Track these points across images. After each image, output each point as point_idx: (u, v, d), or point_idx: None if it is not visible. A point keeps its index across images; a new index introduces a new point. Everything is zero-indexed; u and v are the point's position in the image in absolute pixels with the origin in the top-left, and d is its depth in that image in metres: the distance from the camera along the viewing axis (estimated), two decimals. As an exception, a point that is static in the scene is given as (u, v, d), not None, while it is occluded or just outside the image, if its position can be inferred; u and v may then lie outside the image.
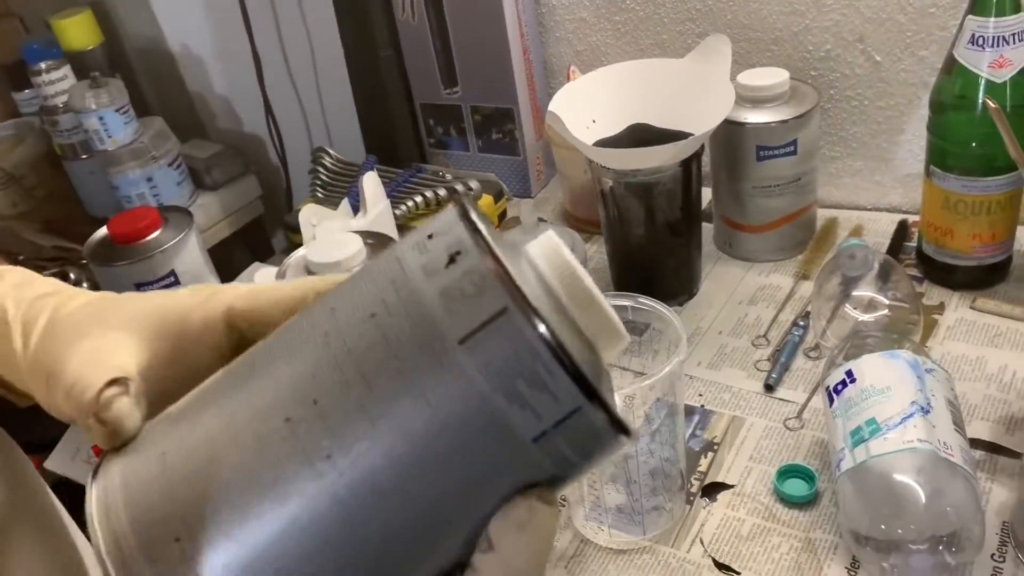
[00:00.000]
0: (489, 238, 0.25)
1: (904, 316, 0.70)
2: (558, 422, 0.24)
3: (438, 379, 0.24)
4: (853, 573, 0.56)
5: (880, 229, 0.86)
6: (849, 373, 0.60)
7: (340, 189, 1.03)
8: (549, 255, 0.27)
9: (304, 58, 1.23)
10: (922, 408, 0.55)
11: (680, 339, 0.56)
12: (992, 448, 0.62)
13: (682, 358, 0.55)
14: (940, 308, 0.75)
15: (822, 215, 0.88)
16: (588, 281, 0.27)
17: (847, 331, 0.70)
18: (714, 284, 0.84)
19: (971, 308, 0.75)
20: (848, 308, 0.71)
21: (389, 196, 0.90)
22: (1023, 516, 0.55)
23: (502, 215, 1.01)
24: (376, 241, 0.72)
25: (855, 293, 0.71)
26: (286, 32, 1.21)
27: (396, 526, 0.25)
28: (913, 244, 0.82)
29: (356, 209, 0.87)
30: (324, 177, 1.05)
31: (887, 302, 0.70)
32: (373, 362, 0.25)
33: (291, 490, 0.25)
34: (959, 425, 0.57)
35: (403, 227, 0.93)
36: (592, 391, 0.24)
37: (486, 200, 0.98)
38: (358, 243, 0.69)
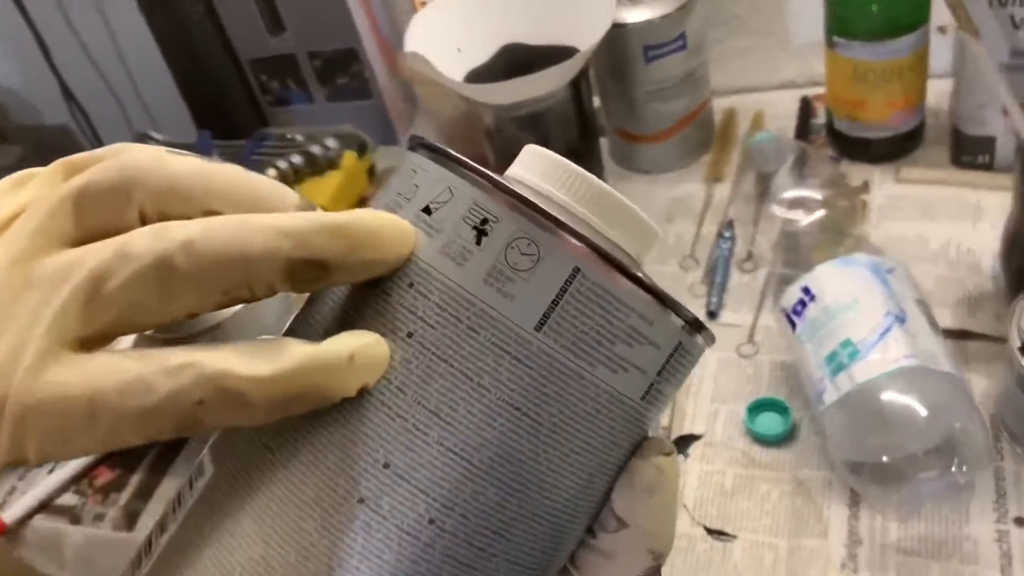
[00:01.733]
0: (512, 186, 0.20)
1: (834, 201, 0.65)
2: (662, 368, 0.22)
3: (524, 381, 0.20)
4: (855, 510, 0.51)
5: (782, 112, 0.80)
6: (806, 290, 0.54)
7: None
8: (558, 176, 0.22)
9: (97, 31, 1.04)
10: (897, 317, 0.50)
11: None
12: (960, 335, 0.58)
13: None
14: (865, 188, 0.70)
15: (718, 106, 0.81)
16: (612, 190, 0.22)
17: (777, 232, 0.64)
18: (622, 206, 0.76)
19: (897, 182, 0.70)
20: (774, 208, 0.65)
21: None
22: (1012, 405, 0.51)
23: (371, 171, 0.89)
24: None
25: (780, 194, 0.65)
26: (67, 2, 1.03)
27: (523, 555, 0.21)
28: (821, 122, 0.77)
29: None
30: (155, 165, 0.91)
31: (817, 196, 0.64)
32: (436, 391, 0.20)
33: (401, 574, 0.20)
34: (934, 324, 0.52)
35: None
36: (690, 319, 0.22)
37: (349, 158, 0.86)
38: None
